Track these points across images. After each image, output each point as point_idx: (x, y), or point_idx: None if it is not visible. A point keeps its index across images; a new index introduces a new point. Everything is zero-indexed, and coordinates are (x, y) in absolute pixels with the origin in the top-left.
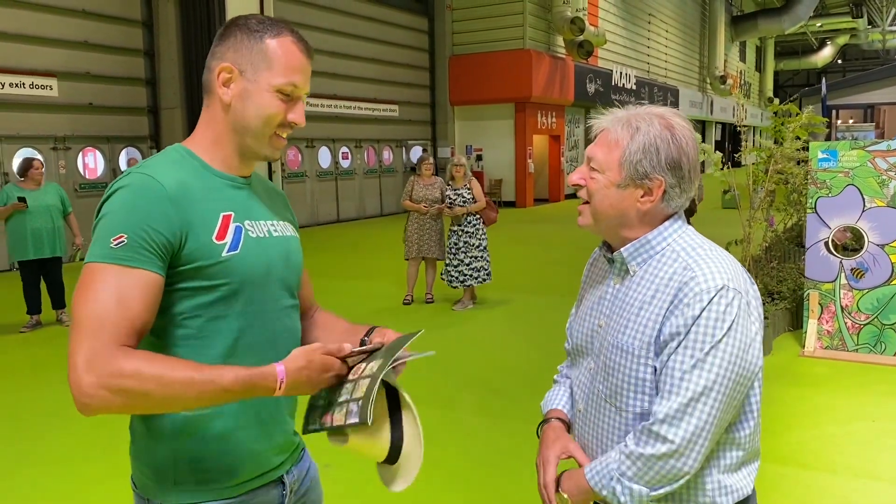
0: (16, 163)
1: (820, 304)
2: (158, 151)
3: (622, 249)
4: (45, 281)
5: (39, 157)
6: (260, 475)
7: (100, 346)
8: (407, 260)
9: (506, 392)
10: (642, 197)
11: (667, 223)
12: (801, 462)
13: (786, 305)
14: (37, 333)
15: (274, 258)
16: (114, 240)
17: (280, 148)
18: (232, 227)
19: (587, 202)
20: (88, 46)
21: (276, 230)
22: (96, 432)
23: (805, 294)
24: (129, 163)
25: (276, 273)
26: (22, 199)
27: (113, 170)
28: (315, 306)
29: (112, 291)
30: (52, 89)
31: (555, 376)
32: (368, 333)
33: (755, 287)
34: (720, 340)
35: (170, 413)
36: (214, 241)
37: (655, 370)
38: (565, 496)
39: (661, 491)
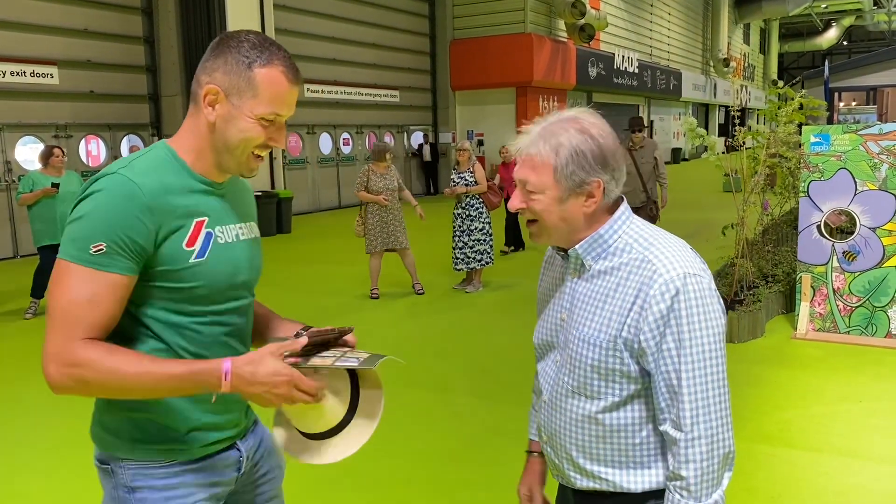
0: (20, 152)
1: (812, 286)
2: (160, 139)
3: (577, 247)
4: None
5: (60, 146)
6: (215, 443)
7: (65, 339)
8: (369, 253)
9: (499, 375)
10: (586, 201)
11: (615, 216)
12: (788, 441)
13: (779, 288)
14: (40, 320)
15: (240, 261)
16: (93, 247)
17: (255, 168)
18: (203, 233)
19: (535, 220)
20: (88, 34)
21: (243, 233)
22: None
23: (797, 277)
24: (132, 150)
25: (242, 275)
26: (55, 185)
27: (114, 157)
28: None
29: (86, 291)
30: (52, 77)
31: (534, 400)
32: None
33: (708, 270)
34: (700, 325)
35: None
36: (185, 247)
37: (621, 360)
38: None
39: (726, 480)
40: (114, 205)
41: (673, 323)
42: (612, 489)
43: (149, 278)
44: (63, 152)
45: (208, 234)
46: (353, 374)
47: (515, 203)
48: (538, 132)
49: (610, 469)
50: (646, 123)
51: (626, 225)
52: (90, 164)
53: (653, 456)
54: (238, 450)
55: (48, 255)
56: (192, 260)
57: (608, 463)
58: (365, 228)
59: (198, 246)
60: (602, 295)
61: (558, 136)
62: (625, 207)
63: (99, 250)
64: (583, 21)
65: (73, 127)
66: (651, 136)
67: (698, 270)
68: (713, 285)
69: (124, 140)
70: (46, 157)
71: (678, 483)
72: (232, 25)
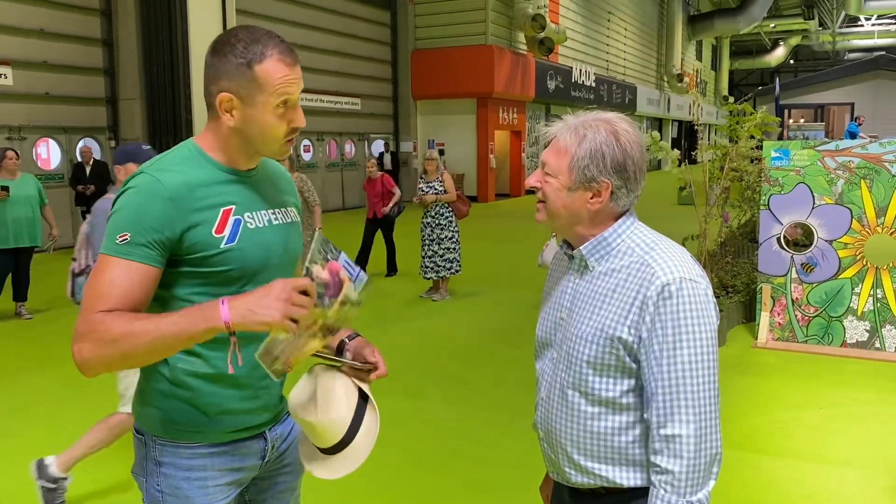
0: None
1: (772, 297)
2: (118, 143)
3: (581, 248)
4: (13, 272)
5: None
6: (244, 429)
7: (84, 315)
8: None
9: (470, 382)
10: (591, 198)
11: (620, 221)
12: (753, 447)
13: (739, 298)
14: None
15: (273, 246)
16: (119, 237)
17: (289, 150)
18: (231, 220)
19: (543, 201)
20: (44, 35)
21: (276, 218)
22: (59, 431)
23: (758, 288)
24: (83, 151)
25: (275, 259)
26: (4, 188)
27: (70, 160)
28: None
29: (112, 277)
30: (6, 78)
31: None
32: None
33: (706, 277)
34: (693, 327)
35: (162, 368)
36: (214, 234)
37: (617, 357)
38: None
39: (711, 481)
40: (137, 201)
41: (664, 324)
42: (605, 484)
43: (183, 265)
44: (17, 155)
45: (237, 221)
46: (362, 396)
47: (531, 181)
48: (573, 123)
49: (603, 465)
50: None
51: (631, 230)
52: (41, 167)
53: (644, 453)
54: (265, 439)
55: (1, 259)
56: (222, 246)
57: (602, 459)
58: None
59: (227, 232)
60: (602, 295)
61: (588, 131)
62: (630, 213)
63: (124, 240)
64: (542, 34)
65: (28, 129)
66: None
67: (695, 276)
68: (710, 292)
69: (80, 143)
70: None
71: (665, 478)
72: (194, 29)
